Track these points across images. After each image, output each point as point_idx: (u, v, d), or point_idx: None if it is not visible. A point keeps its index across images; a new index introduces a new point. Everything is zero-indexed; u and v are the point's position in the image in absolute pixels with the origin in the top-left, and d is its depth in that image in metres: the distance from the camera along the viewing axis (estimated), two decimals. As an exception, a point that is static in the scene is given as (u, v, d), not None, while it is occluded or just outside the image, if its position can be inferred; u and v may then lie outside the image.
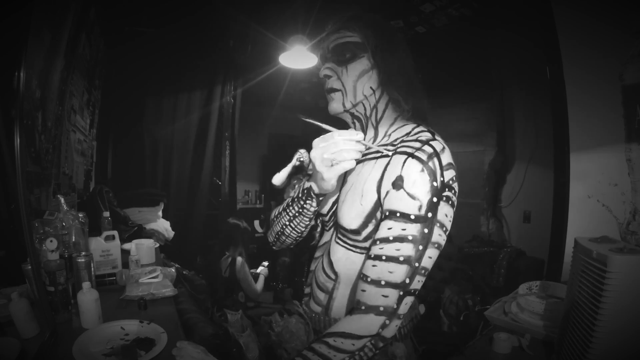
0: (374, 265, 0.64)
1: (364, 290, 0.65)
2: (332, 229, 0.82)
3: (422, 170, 0.63)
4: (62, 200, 1.29)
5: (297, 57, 2.58)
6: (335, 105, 0.76)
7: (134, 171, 3.06)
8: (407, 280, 0.63)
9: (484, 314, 1.14)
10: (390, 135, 0.75)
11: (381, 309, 0.63)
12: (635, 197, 1.25)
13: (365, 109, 0.77)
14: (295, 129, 4.80)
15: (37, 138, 1.44)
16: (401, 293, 0.63)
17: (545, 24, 1.47)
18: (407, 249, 0.62)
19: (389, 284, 0.63)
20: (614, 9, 1.28)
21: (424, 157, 0.63)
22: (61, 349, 0.85)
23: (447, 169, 0.64)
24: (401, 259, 0.62)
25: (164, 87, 3.11)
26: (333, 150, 0.64)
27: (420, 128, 0.72)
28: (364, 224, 0.70)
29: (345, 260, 0.75)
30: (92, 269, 1.17)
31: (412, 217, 0.62)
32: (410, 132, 0.72)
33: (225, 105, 3.39)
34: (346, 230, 0.73)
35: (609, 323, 0.68)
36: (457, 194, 0.66)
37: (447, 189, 0.64)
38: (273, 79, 3.28)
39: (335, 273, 0.77)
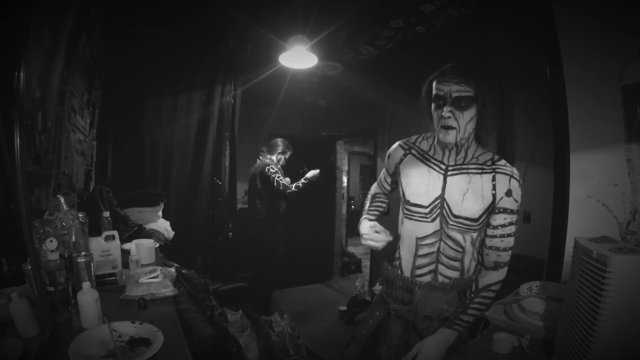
0: (502, 240, 1.09)
1: (499, 255, 1.10)
2: (438, 219, 1.13)
3: (519, 186, 1.09)
4: (62, 200, 1.29)
5: (297, 57, 2.58)
6: (451, 139, 1.06)
7: (134, 171, 3.05)
8: (514, 244, 1.10)
9: (484, 314, 1.14)
10: (477, 157, 1.12)
11: (507, 262, 1.12)
12: (635, 197, 1.25)
13: (465, 141, 1.10)
14: (295, 129, 4.80)
15: (37, 138, 1.44)
16: (512, 251, 1.11)
17: (545, 24, 1.47)
18: (514, 228, 1.09)
19: (510, 248, 1.10)
20: (614, 9, 1.28)
21: (518, 177, 1.09)
22: (61, 349, 0.85)
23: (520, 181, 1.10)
24: (512, 234, 1.09)
25: (164, 87, 3.11)
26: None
27: (498, 156, 1.12)
28: (482, 215, 1.09)
29: (467, 238, 1.13)
30: (92, 269, 1.17)
31: (515, 210, 1.08)
32: (493, 158, 1.11)
33: (225, 105, 3.39)
34: (468, 219, 1.09)
35: (609, 323, 0.68)
36: None
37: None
38: (273, 79, 3.28)
39: (463, 247, 1.13)
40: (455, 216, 1.10)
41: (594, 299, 0.70)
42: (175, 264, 1.94)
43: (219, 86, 3.32)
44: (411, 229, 1.18)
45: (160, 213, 2.62)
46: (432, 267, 1.16)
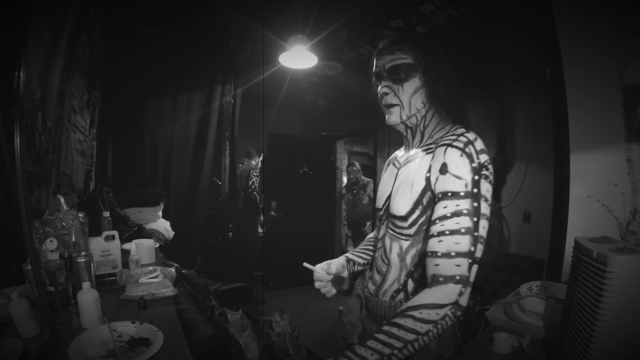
0: (440, 241, 0.75)
1: (437, 265, 0.75)
2: (385, 222, 0.95)
3: (462, 155, 0.76)
4: (62, 200, 1.29)
5: (297, 57, 2.58)
6: (394, 118, 0.89)
7: (134, 171, 3.05)
8: (472, 249, 0.73)
9: (484, 314, 1.14)
10: (433, 136, 0.89)
11: (457, 277, 0.73)
12: (635, 197, 1.25)
13: (417, 120, 0.90)
14: (295, 129, 4.80)
15: (37, 138, 1.44)
16: (470, 261, 0.73)
17: (545, 24, 1.47)
18: (465, 221, 0.74)
19: (459, 254, 0.73)
20: (614, 9, 1.28)
21: (460, 145, 0.77)
22: (61, 349, 0.85)
23: (481, 153, 0.77)
24: (462, 230, 0.73)
25: (164, 87, 3.11)
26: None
27: (457, 126, 0.85)
28: (412, 210, 0.83)
29: (394, 247, 0.89)
30: (92, 269, 1.17)
31: (462, 193, 0.75)
32: (448, 130, 0.85)
33: (225, 105, 3.39)
34: (396, 217, 0.86)
35: (609, 323, 0.68)
36: (492, 174, 0.79)
37: (484, 169, 0.77)
38: (273, 79, 3.28)
39: (388, 259, 0.91)
40: (390, 215, 0.90)
41: (594, 299, 0.70)
42: (175, 264, 1.94)
43: (219, 86, 3.32)
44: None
45: (160, 213, 2.62)
46: (370, 273, 1.03)
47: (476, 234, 0.74)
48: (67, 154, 1.89)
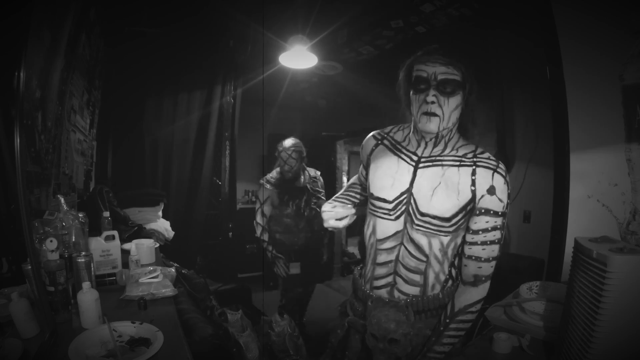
0: (483, 249, 0.92)
1: (480, 267, 0.93)
2: (402, 217, 0.98)
3: (505, 183, 0.91)
4: (62, 200, 1.30)
5: (297, 57, 2.58)
6: (433, 127, 0.93)
7: (134, 171, 3.05)
8: (499, 253, 0.94)
9: (484, 314, 1.14)
10: (458, 149, 0.97)
11: (491, 275, 0.95)
12: (635, 197, 1.25)
13: (447, 132, 0.97)
14: (295, 129, 4.79)
15: (37, 138, 1.44)
16: (496, 262, 0.94)
17: (545, 24, 1.47)
18: (499, 234, 0.92)
19: (494, 259, 0.93)
20: (614, 9, 1.28)
21: (504, 173, 0.92)
22: (61, 349, 0.85)
23: (509, 179, 0.92)
24: (497, 241, 0.92)
25: (164, 87, 3.11)
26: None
27: (481, 149, 0.96)
28: (456, 214, 0.93)
29: (434, 243, 0.96)
30: (92, 269, 1.17)
31: (500, 213, 0.91)
32: (475, 150, 0.96)
33: (225, 105, 3.39)
34: (437, 217, 0.93)
35: (609, 323, 0.68)
36: None
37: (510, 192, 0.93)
38: (273, 79, 3.28)
39: (426, 255, 0.97)
40: (423, 214, 0.94)
41: (594, 299, 0.70)
42: (175, 264, 1.94)
43: (219, 86, 3.32)
44: (372, 229, 1.03)
45: (160, 213, 2.62)
46: (389, 279, 1.01)
47: (501, 243, 0.93)
48: (67, 154, 1.89)
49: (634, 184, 1.25)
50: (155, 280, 1.26)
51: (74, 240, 1.22)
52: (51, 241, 1.00)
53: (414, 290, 0.99)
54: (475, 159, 0.93)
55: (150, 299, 1.18)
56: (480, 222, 0.92)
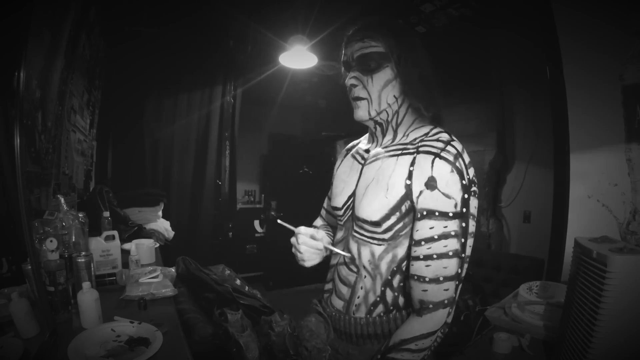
0: (427, 265, 0.70)
1: (425, 290, 0.70)
2: (347, 224, 0.85)
3: (452, 171, 0.68)
4: (62, 200, 1.29)
5: (297, 57, 2.58)
6: (362, 113, 0.79)
7: (134, 171, 3.05)
8: (459, 270, 0.70)
9: (484, 314, 1.14)
10: (408, 135, 0.79)
11: (446, 302, 0.70)
12: (635, 197, 1.25)
13: (388, 115, 0.80)
14: (295, 129, 4.79)
15: (37, 138, 1.44)
16: (457, 283, 0.71)
17: (545, 24, 1.47)
18: (453, 244, 0.69)
19: (447, 278, 0.69)
20: (614, 9, 1.28)
21: (450, 157, 0.69)
22: (61, 349, 0.85)
23: (469, 167, 0.71)
24: (450, 253, 0.69)
25: (164, 87, 3.11)
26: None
27: (438, 129, 0.76)
28: (387, 216, 0.73)
29: (363, 252, 0.78)
30: (92, 269, 1.17)
31: (450, 214, 0.68)
32: (428, 132, 0.76)
33: (225, 105, 3.39)
34: (366, 222, 0.76)
35: (609, 323, 0.68)
36: (477, 186, 0.72)
37: (473, 185, 0.71)
38: (273, 79, 3.28)
39: (357, 266, 0.80)
40: (357, 218, 0.79)
41: (594, 299, 0.70)
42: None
43: (219, 86, 3.32)
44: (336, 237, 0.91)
45: (160, 213, 2.62)
46: (330, 285, 0.88)
47: (463, 255, 0.70)
48: (67, 154, 1.89)
49: (634, 184, 1.25)
50: (155, 280, 1.26)
51: (74, 240, 1.22)
52: (51, 241, 1.00)
53: (339, 305, 0.83)
54: (420, 144, 0.73)
55: (150, 299, 1.18)
56: (422, 228, 0.70)
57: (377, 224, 0.74)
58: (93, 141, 2.53)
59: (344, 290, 0.82)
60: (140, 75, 2.88)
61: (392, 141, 0.81)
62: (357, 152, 0.90)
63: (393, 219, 0.73)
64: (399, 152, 0.76)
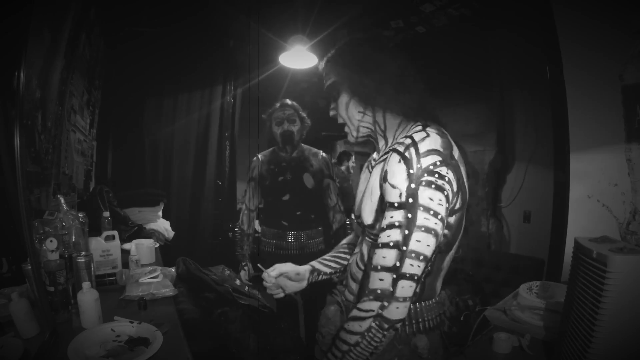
0: (374, 253, 0.72)
1: (367, 277, 0.73)
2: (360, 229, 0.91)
3: (400, 161, 0.70)
4: (62, 200, 1.30)
5: (297, 57, 2.58)
6: (349, 137, 0.89)
7: (134, 171, 3.05)
8: (397, 264, 0.68)
9: (484, 314, 1.14)
10: (397, 137, 0.82)
11: (378, 291, 0.70)
12: (635, 197, 1.25)
13: (368, 129, 0.86)
14: (295, 129, 4.79)
15: (37, 138, 1.44)
16: (394, 276, 0.69)
17: (545, 24, 1.47)
18: (395, 234, 0.69)
19: (383, 268, 0.69)
20: (614, 9, 1.28)
21: (401, 148, 0.71)
22: (61, 349, 0.85)
23: (425, 155, 0.69)
24: (391, 244, 0.69)
25: (164, 87, 3.11)
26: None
27: (418, 125, 0.76)
28: (376, 219, 0.78)
29: (369, 252, 0.83)
30: (92, 269, 1.17)
31: (396, 204, 0.70)
32: (409, 130, 0.77)
33: (225, 105, 3.39)
34: (364, 225, 0.82)
35: (609, 323, 0.68)
36: (446, 177, 0.70)
37: (427, 174, 0.69)
38: (273, 79, 3.28)
39: (365, 266, 0.84)
40: (359, 223, 0.88)
41: (594, 299, 0.70)
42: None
43: (219, 86, 3.32)
44: None
45: (160, 213, 2.62)
46: (345, 281, 0.96)
47: (404, 248, 0.68)
48: (67, 154, 1.89)
49: (634, 184, 1.25)
50: (155, 280, 1.26)
51: (74, 240, 1.22)
52: (51, 241, 1.00)
53: (350, 299, 0.90)
54: (394, 142, 0.78)
55: (150, 299, 1.18)
56: (385, 219, 0.72)
57: (371, 226, 0.80)
58: (93, 141, 2.53)
59: (353, 286, 0.89)
60: (141, 75, 2.88)
61: (385, 146, 0.86)
62: (370, 163, 0.96)
63: (381, 220, 0.76)
64: (385, 156, 0.79)
